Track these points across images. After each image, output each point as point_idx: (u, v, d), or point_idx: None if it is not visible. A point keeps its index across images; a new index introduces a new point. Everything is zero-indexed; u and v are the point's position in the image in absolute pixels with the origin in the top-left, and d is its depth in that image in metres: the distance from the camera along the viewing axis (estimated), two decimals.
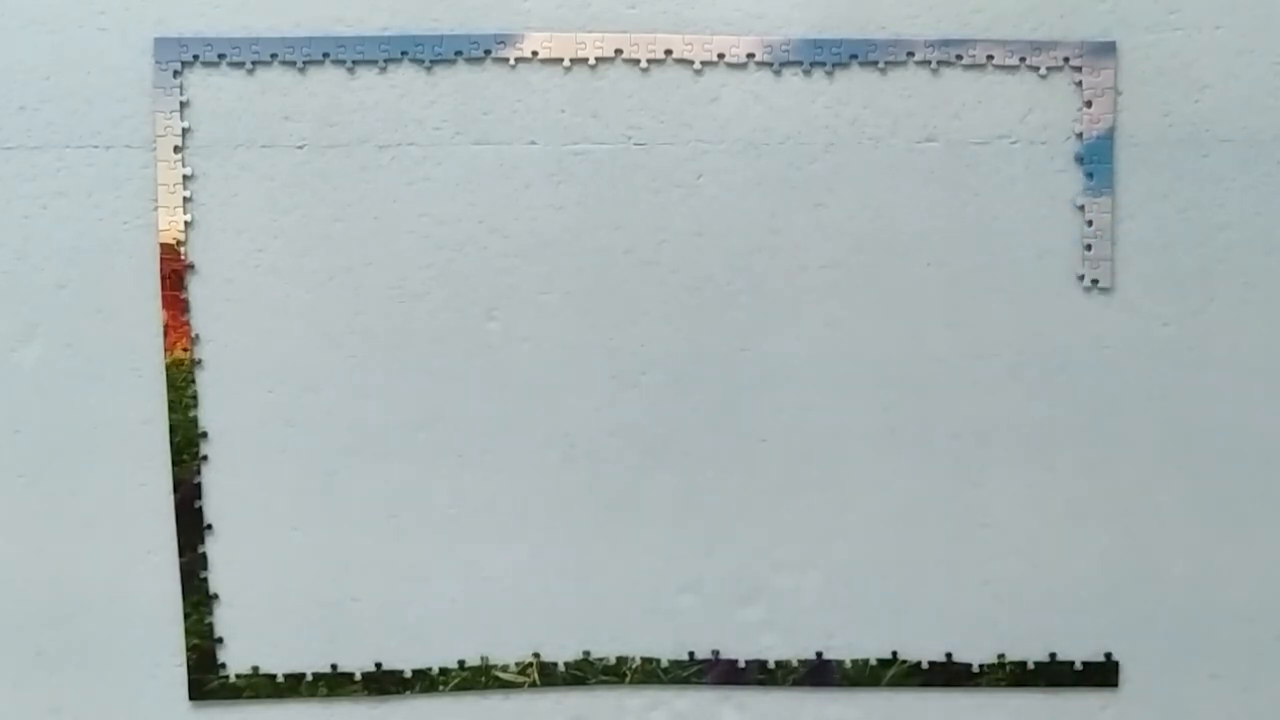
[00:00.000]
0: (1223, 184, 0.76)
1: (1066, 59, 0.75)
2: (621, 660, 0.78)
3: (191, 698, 0.78)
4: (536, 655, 0.78)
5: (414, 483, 0.77)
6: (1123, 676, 0.77)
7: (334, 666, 0.78)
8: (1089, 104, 0.75)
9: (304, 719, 0.78)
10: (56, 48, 0.76)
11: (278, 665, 0.78)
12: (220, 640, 0.78)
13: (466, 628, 0.78)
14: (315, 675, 0.78)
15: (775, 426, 0.77)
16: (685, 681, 0.78)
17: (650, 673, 0.78)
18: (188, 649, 0.78)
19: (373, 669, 0.78)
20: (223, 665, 0.78)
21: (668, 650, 0.78)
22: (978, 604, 0.77)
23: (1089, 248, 0.76)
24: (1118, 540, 0.77)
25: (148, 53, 0.76)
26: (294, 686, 0.78)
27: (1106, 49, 0.75)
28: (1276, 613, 0.76)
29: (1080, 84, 0.75)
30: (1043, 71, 0.75)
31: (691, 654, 0.78)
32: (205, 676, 0.78)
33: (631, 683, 0.78)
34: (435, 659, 0.78)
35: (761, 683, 0.78)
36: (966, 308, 0.76)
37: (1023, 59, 0.75)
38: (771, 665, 0.78)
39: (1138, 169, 0.76)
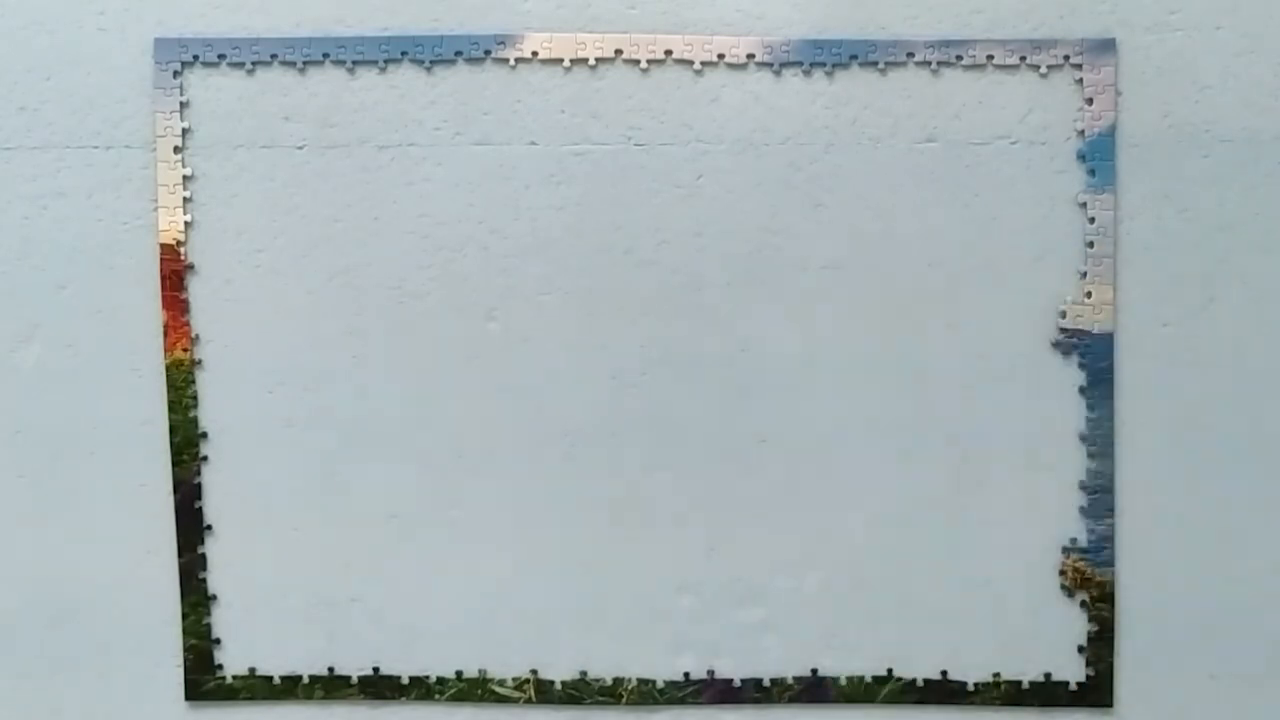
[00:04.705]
0: (1223, 184, 0.76)
1: (1067, 57, 0.75)
2: (618, 681, 0.78)
3: (188, 698, 0.78)
4: (534, 672, 0.78)
5: (414, 483, 0.77)
6: (1122, 676, 0.77)
7: (331, 669, 0.78)
8: (1090, 101, 0.75)
9: None
10: (56, 48, 0.76)
11: (275, 667, 0.78)
12: (218, 641, 0.78)
13: (465, 634, 0.78)
14: (312, 678, 0.78)
15: (775, 426, 0.77)
16: (681, 702, 0.77)
17: (646, 694, 0.77)
18: (185, 649, 0.78)
19: (370, 673, 0.78)
20: (220, 666, 0.78)
21: (663, 669, 0.77)
22: (974, 617, 0.77)
23: (1091, 245, 0.75)
24: (1116, 538, 0.77)
25: (148, 53, 0.76)
26: (290, 688, 0.78)
27: (1107, 46, 0.75)
28: (1276, 613, 0.76)
29: (1081, 81, 0.75)
30: (1043, 70, 0.75)
31: (687, 674, 0.77)
32: (202, 677, 0.78)
33: (628, 703, 0.78)
34: (433, 667, 0.78)
35: (757, 700, 0.77)
36: (966, 308, 0.76)
37: (1023, 58, 0.75)
38: (767, 683, 0.77)
39: (1137, 169, 0.76)
